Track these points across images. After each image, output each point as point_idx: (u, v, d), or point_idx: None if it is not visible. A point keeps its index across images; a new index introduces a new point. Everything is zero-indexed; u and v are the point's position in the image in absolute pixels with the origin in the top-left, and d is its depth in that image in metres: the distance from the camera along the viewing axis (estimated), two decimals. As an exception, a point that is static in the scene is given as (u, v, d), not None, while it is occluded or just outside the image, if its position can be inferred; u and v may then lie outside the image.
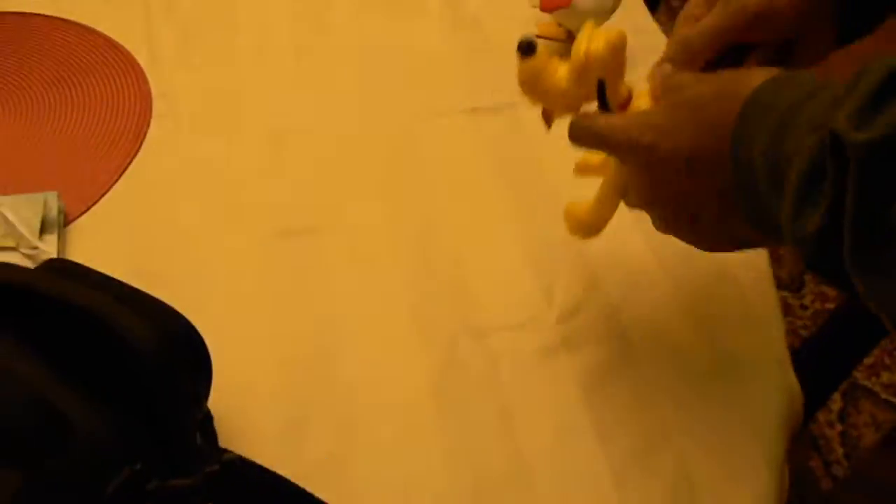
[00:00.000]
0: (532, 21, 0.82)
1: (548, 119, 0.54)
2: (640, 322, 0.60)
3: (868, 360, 1.44)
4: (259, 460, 0.52)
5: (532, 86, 0.51)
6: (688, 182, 0.43)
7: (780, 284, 1.54)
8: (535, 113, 0.76)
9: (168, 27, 0.84)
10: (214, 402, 0.51)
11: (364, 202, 0.69)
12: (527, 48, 0.49)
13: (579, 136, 0.50)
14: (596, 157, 0.55)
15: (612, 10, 0.77)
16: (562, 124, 0.52)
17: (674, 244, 0.66)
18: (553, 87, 0.50)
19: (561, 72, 0.50)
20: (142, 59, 0.80)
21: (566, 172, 0.71)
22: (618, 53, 0.50)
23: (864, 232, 0.32)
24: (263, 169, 0.71)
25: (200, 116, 0.75)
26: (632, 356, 0.58)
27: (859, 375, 1.46)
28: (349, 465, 0.53)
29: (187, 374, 0.45)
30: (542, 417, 0.55)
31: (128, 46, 0.82)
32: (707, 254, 0.65)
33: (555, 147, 0.75)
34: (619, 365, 0.58)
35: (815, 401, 1.29)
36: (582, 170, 0.57)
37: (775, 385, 0.57)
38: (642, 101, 0.51)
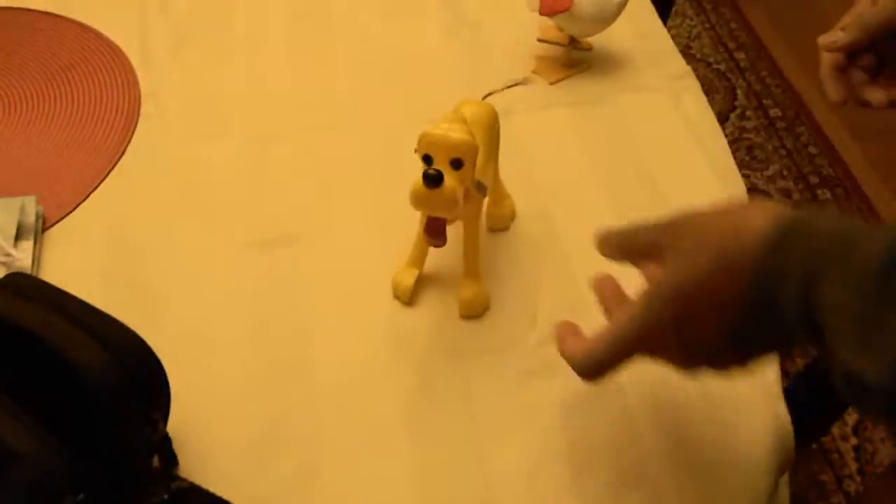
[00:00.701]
0: (532, 24, 0.80)
1: (443, 232, 0.54)
2: (626, 349, 0.58)
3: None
4: (224, 478, 0.51)
5: (455, 203, 0.50)
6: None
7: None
8: (528, 119, 0.74)
9: (162, 26, 0.83)
10: (181, 418, 0.50)
11: (350, 211, 0.67)
12: (436, 178, 0.48)
13: (604, 365, 0.44)
14: None
15: (615, 16, 0.74)
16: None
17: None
18: (460, 193, 0.50)
19: (453, 178, 0.50)
20: (133, 58, 0.79)
21: (556, 183, 0.69)
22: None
23: None
24: (249, 175, 0.69)
25: (189, 119, 0.74)
26: (614, 384, 0.56)
27: (878, 388, 1.41)
28: (315, 486, 0.51)
29: (139, 401, 0.44)
30: (515, 445, 0.53)
31: (120, 44, 0.80)
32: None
33: (546, 157, 0.73)
34: (600, 393, 0.56)
35: (830, 413, 1.26)
36: None
37: (765, 422, 0.54)
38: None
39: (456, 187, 0.49)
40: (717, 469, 0.52)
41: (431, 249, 0.60)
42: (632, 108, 0.76)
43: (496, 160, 0.62)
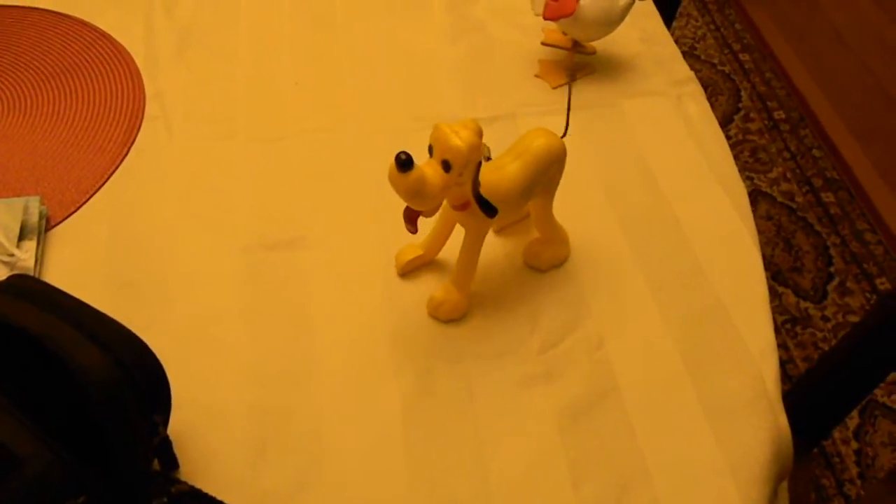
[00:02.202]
0: (536, 28, 0.80)
1: (414, 221, 0.54)
2: (625, 355, 0.58)
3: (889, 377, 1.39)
4: (225, 481, 0.51)
5: (416, 194, 0.50)
6: None
7: (801, 294, 1.50)
8: (531, 123, 0.74)
9: (167, 27, 0.83)
10: (182, 420, 0.50)
11: (353, 213, 0.67)
12: (405, 163, 0.48)
13: None
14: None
15: (619, 20, 0.74)
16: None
17: (669, 272, 0.63)
18: (434, 189, 0.51)
19: (436, 174, 0.50)
20: (139, 58, 0.79)
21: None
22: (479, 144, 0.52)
23: None
24: (253, 177, 0.70)
25: (193, 121, 0.74)
26: (613, 391, 0.56)
27: (878, 392, 1.41)
28: (316, 489, 0.52)
29: (140, 404, 0.44)
30: (514, 451, 0.53)
31: (126, 45, 0.81)
32: (703, 285, 0.63)
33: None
34: (599, 399, 0.56)
35: (831, 417, 1.25)
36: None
37: (763, 428, 0.55)
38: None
39: (426, 180, 0.50)
40: (716, 476, 0.52)
41: (449, 243, 0.61)
42: (634, 112, 0.76)
43: (549, 198, 0.61)
